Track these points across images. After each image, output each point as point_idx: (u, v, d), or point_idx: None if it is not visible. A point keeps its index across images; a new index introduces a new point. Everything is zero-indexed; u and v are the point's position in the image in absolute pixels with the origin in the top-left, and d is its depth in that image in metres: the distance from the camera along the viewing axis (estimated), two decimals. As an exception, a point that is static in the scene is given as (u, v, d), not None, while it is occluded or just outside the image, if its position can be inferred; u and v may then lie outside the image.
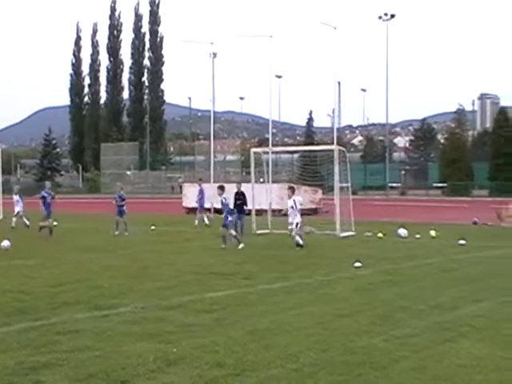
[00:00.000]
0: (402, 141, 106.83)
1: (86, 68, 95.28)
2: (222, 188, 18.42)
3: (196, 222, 25.75)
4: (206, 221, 25.85)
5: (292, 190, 18.43)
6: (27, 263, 14.14)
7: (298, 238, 17.40)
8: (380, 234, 20.38)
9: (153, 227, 23.80)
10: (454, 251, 16.73)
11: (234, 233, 17.85)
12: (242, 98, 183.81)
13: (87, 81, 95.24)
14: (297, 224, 17.50)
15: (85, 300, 9.80)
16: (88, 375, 6.13)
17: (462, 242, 18.12)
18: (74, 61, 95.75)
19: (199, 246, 18.25)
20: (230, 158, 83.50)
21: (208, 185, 36.14)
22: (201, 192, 26.72)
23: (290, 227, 17.74)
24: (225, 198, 18.09)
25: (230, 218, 17.84)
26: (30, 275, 12.43)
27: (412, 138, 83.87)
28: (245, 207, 21.90)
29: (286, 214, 18.21)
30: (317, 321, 8.48)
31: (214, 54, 40.90)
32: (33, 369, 6.30)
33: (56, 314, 8.86)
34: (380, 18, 66.13)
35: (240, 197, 22.38)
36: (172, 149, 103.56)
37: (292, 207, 17.67)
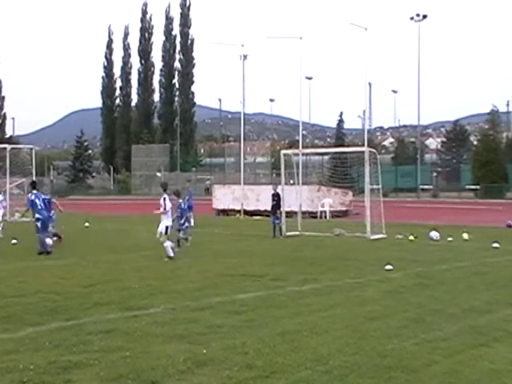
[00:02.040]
0: (433, 142, 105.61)
1: (117, 70, 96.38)
2: (178, 194, 17.71)
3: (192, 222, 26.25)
4: (192, 223, 26.26)
5: (164, 186, 16.29)
6: (59, 264, 14.32)
7: (167, 245, 15.33)
8: (411, 237, 20.16)
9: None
10: (487, 254, 16.47)
11: (180, 235, 17.39)
12: (272, 100, 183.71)
13: (119, 83, 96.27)
14: (166, 228, 15.48)
15: (115, 300, 9.88)
16: (118, 375, 6.17)
17: (495, 245, 17.82)
18: (105, 63, 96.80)
19: (229, 247, 18.28)
20: (259, 159, 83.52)
21: (238, 186, 36.36)
22: (189, 194, 26.90)
23: (159, 231, 15.60)
24: (183, 203, 17.60)
25: (186, 224, 17.61)
26: (62, 276, 12.57)
27: (444, 139, 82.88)
28: (278, 210, 21.99)
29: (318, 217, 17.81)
30: (347, 323, 8.42)
31: (245, 56, 40.94)
32: (64, 368, 6.36)
33: (87, 314, 8.94)
34: (412, 18, 65.49)
35: (275, 198, 22.41)
36: (202, 150, 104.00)
37: (165, 207, 15.56)
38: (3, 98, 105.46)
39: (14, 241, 18.23)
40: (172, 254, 15.31)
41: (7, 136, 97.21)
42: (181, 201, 17.43)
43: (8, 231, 21.58)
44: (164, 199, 15.40)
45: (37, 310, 9.19)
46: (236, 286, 11.35)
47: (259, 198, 33.19)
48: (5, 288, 11.11)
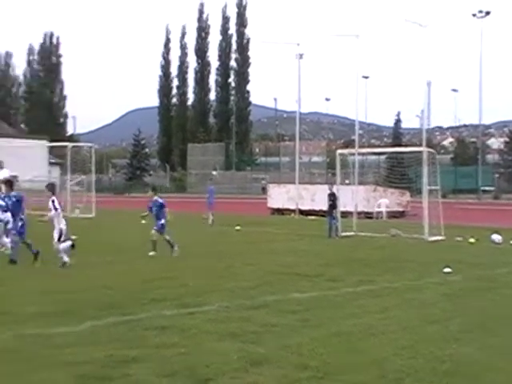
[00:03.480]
0: (496, 142, 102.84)
1: (174, 70, 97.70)
2: (154, 189, 16.79)
3: (208, 220, 26.65)
4: (210, 221, 26.70)
5: (51, 188, 14.18)
6: (119, 259, 14.54)
7: (61, 247, 13.54)
8: (471, 239, 19.64)
9: (238, 227, 23.98)
10: (551, 258, 15.89)
11: (167, 237, 15.79)
12: (327, 99, 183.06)
13: (175, 82, 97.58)
14: (60, 231, 13.65)
15: (171, 297, 9.97)
16: (174, 371, 6.21)
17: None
18: (163, 63, 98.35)
19: (283, 247, 18.23)
20: (315, 159, 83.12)
21: (293, 186, 36.28)
22: (210, 191, 28.05)
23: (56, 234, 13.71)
24: (158, 200, 16.10)
25: (162, 221, 15.84)
26: (121, 271, 12.78)
27: (507, 139, 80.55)
28: (334, 210, 21.90)
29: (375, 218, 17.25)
30: (403, 326, 8.25)
31: (301, 55, 40.69)
32: (122, 362, 6.44)
33: (144, 309, 9.05)
34: (474, 15, 63.97)
35: (331, 198, 22.30)
36: (257, 150, 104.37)
37: (56, 209, 13.74)
38: (65, 97, 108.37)
39: (73, 237, 18.60)
40: (66, 260, 13.41)
41: (68, 134, 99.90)
42: (156, 197, 16.15)
43: (68, 227, 22.09)
44: (53, 201, 13.69)
45: (95, 304, 9.35)
46: (291, 286, 11.29)
47: (314, 197, 33.04)
48: (65, 282, 11.37)
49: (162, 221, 15.83)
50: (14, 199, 14.40)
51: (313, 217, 30.81)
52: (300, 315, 8.81)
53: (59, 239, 13.60)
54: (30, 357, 6.57)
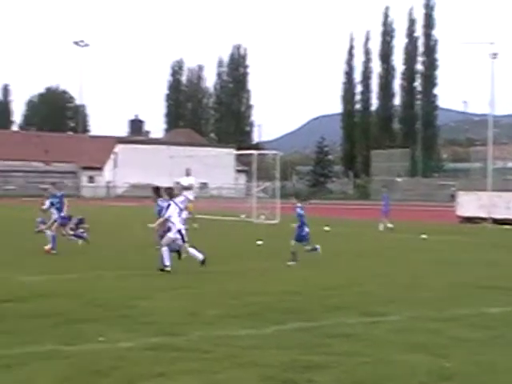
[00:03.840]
0: None
1: (357, 76, 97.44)
2: (297, 196, 16.18)
3: (387, 225, 26.02)
4: (381, 228, 26.05)
5: (169, 193, 13.67)
6: (299, 265, 14.61)
7: (192, 251, 13.03)
8: None
9: (424, 236, 23.07)
10: None
11: (307, 248, 14.66)
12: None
13: (359, 88, 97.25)
14: (180, 231, 13.04)
15: (354, 305, 9.80)
16: (359, 380, 6.06)
17: None
18: (346, 69, 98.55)
19: (474, 257, 17.16)
20: (510, 164, 77.98)
21: (485, 193, 34.28)
22: (385, 199, 27.64)
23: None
24: (300, 208, 15.01)
25: (306, 230, 14.84)
26: (303, 277, 12.83)
27: None
28: None
29: None
30: None
31: (494, 55, 38.37)
32: (306, 368, 6.41)
33: (326, 316, 8.97)
34: None
35: None
36: (445, 155, 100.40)
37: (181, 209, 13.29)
38: (251, 106, 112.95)
39: (259, 242, 19.14)
40: (168, 263, 12.90)
41: (254, 142, 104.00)
42: (299, 205, 15.12)
43: (253, 232, 22.87)
44: (181, 201, 13.57)
45: (278, 308, 9.45)
46: (483, 299, 10.56)
47: (510, 205, 30.97)
48: (250, 286, 11.66)
49: (304, 231, 14.94)
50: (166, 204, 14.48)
51: (508, 226, 28.82)
52: (494, 331, 8.19)
53: (183, 240, 13.39)
54: (218, 356, 6.77)
